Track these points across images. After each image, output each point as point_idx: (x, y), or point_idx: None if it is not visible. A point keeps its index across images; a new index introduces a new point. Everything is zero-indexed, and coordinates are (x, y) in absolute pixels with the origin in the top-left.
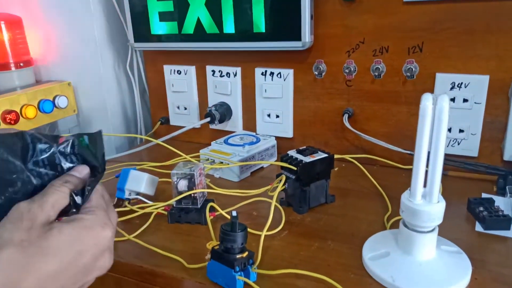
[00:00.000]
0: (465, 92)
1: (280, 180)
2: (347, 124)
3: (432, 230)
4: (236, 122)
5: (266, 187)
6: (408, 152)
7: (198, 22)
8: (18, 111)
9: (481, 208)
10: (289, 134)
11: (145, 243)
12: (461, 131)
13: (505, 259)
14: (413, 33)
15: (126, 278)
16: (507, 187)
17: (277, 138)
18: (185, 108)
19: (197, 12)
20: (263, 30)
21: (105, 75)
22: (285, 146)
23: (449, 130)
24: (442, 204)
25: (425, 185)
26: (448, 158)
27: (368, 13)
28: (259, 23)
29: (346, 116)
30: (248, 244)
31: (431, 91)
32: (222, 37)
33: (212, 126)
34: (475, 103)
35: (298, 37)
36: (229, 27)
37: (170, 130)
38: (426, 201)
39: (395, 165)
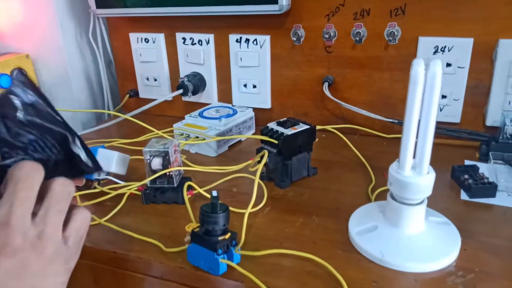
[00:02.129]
0: (448, 56)
1: (262, 156)
2: (327, 93)
3: (421, 202)
4: (210, 93)
5: (245, 162)
6: (390, 120)
7: None
8: None
9: (466, 176)
10: (267, 105)
11: (118, 226)
12: (443, 96)
13: (492, 228)
14: None
15: (100, 265)
16: (490, 153)
17: (254, 109)
18: (155, 80)
19: None
20: None
21: (66, 46)
22: (263, 117)
23: None
24: (432, 175)
25: (414, 156)
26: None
27: None
28: None
29: (326, 84)
30: (230, 223)
31: (414, 55)
32: (192, 1)
33: (185, 98)
34: (458, 67)
35: (274, 0)
36: None
37: (140, 103)
38: (415, 172)
39: (377, 134)
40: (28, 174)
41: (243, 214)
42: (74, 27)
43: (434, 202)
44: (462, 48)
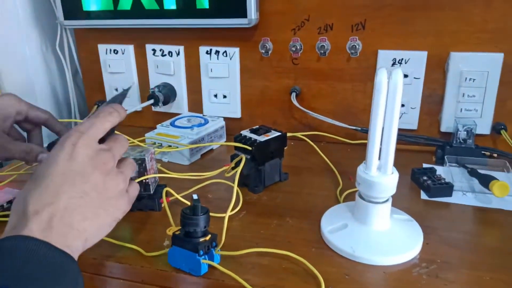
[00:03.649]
0: (405, 67)
1: (240, 161)
2: (295, 103)
3: (386, 201)
4: (181, 103)
5: (220, 169)
6: (354, 127)
7: None
8: None
9: (425, 178)
10: (237, 114)
11: None
12: (402, 105)
13: (450, 223)
14: (356, 10)
15: (85, 274)
16: (445, 156)
17: (225, 118)
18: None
19: None
20: (207, 6)
21: (31, 57)
22: (234, 126)
23: None
24: (396, 175)
25: (379, 158)
26: None
27: None
28: None
29: (294, 94)
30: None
31: (374, 67)
32: (162, 13)
33: (156, 109)
34: (414, 78)
35: (243, 14)
36: (170, 2)
37: None
38: (381, 173)
39: (342, 140)
40: (109, 110)
41: (220, 218)
42: (40, 38)
43: (397, 202)
44: (417, 60)
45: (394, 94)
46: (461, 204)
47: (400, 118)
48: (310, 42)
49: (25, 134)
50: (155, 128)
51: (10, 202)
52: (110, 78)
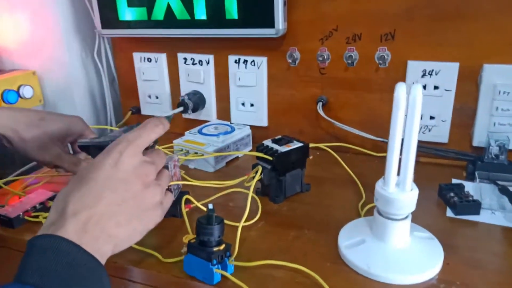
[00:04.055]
0: (435, 79)
1: (257, 171)
2: (321, 112)
3: (406, 218)
4: (210, 111)
5: (241, 177)
6: (380, 139)
7: (168, 8)
8: None
9: (452, 194)
10: (264, 123)
11: None
12: (431, 118)
13: (475, 243)
14: (385, 20)
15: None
16: (476, 172)
17: (252, 127)
18: (157, 97)
19: None
20: (236, 17)
21: (71, 64)
22: (260, 135)
23: (421, 117)
24: (415, 192)
25: (398, 173)
26: (419, 145)
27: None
28: (231, 9)
29: (320, 104)
30: (225, 235)
31: (403, 78)
32: (193, 23)
33: (186, 116)
34: (445, 90)
35: (271, 24)
36: (200, 13)
37: (141, 120)
38: (399, 189)
39: (368, 152)
40: (155, 123)
41: (237, 227)
42: (79, 46)
43: (420, 219)
44: (449, 71)
45: (413, 110)
46: (489, 224)
47: (430, 131)
48: (337, 52)
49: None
50: (184, 135)
51: (42, 203)
52: (144, 85)
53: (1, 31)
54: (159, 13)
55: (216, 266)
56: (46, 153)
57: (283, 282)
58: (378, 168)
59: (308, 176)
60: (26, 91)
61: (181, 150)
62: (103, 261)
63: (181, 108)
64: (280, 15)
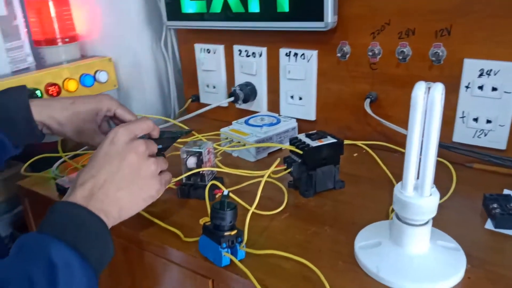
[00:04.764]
0: (494, 80)
1: (290, 163)
2: (368, 109)
3: (424, 224)
4: (261, 102)
5: (271, 168)
6: None
7: (225, 1)
8: (60, 84)
9: (495, 205)
10: (312, 117)
11: (153, 215)
12: (488, 121)
13: (506, 259)
14: (441, 15)
15: (131, 246)
16: None
17: (300, 120)
18: (214, 87)
19: None
20: (287, 10)
21: (142, 53)
22: (308, 129)
23: (475, 120)
24: (435, 197)
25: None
26: (473, 150)
27: None
28: (283, 2)
29: (368, 100)
30: (247, 223)
31: (459, 77)
32: (247, 16)
33: (238, 106)
34: (504, 92)
35: (320, 18)
36: (254, 6)
37: (200, 108)
38: (417, 193)
39: None
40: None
41: (262, 216)
42: (150, 36)
43: (454, 227)
44: (509, 72)
45: (431, 111)
46: None
47: (486, 135)
48: (389, 47)
49: None
50: (232, 124)
51: None
52: (203, 75)
53: (85, 22)
54: (217, 6)
55: (226, 250)
56: (82, 134)
57: (289, 274)
58: None
59: (347, 173)
60: (102, 76)
61: (226, 138)
62: (109, 221)
63: (231, 98)
64: (330, 8)
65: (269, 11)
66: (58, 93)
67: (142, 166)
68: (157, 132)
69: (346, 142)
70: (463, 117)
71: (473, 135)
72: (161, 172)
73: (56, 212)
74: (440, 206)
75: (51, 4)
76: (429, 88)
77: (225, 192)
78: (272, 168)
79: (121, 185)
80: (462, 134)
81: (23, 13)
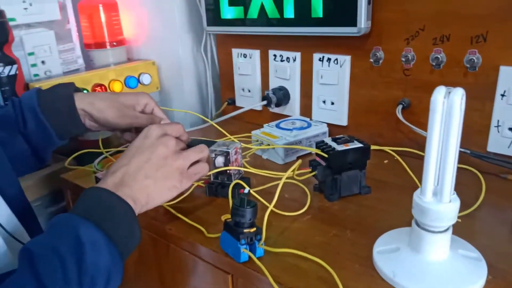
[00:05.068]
0: None
1: (315, 166)
2: (399, 116)
3: (444, 231)
4: (293, 106)
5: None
6: (462, 149)
7: (262, 6)
8: (106, 85)
9: None
10: (343, 122)
11: (181, 211)
12: None
13: None
14: (476, 21)
15: (160, 239)
16: None
17: (331, 125)
18: (249, 91)
19: None
20: (321, 15)
21: (183, 57)
22: (339, 134)
23: (511, 129)
24: (455, 204)
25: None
26: (508, 160)
27: None
28: (317, 8)
29: (400, 107)
30: (269, 222)
31: (494, 85)
32: (282, 21)
33: (271, 110)
34: None
35: (353, 23)
36: (289, 12)
37: (235, 110)
38: (436, 199)
39: None
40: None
41: (285, 216)
42: (191, 41)
43: (479, 238)
44: None
45: (450, 116)
46: None
47: None
48: (423, 53)
49: None
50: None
51: None
52: (239, 79)
53: (131, 27)
54: (253, 12)
55: (244, 246)
56: (124, 117)
57: (305, 274)
58: (456, 180)
59: (375, 179)
60: (145, 78)
61: (257, 140)
62: (137, 207)
63: (264, 102)
64: (363, 13)
65: (303, 16)
66: None
67: (169, 158)
68: (186, 137)
69: (374, 147)
70: (498, 126)
71: (508, 145)
72: (195, 163)
73: (87, 196)
74: (468, 216)
75: (101, 10)
76: (449, 92)
77: (246, 191)
78: (292, 169)
79: (149, 174)
80: (497, 144)
81: (76, 18)
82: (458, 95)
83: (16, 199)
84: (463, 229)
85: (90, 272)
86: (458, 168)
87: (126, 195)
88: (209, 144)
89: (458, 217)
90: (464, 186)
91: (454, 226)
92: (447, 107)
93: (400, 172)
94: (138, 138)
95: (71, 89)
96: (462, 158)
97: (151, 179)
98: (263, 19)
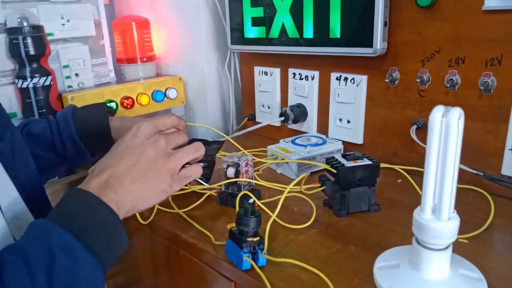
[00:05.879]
0: None
1: (324, 182)
2: (413, 136)
3: (443, 249)
4: (311, 124)
5: (306, 185)
6: (475, 171)
7: (283, 27)
8: (134, 98)
9: None
10: (359, 140)
11: (192, 218)
12: None
13: None
14: (492, 44)
15: (170, 244)
16: None
17: (347, 143)
18: (269, 107)
19: (283, 17)
20: (338, 36)
21: (208, 74)
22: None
23: None
24: (454, 222)
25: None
26: None
27: (445, 21)
28: (335, 28)
29: (414, 127)
30: (276, 234)
31: (508, 107)
32: (302, 41)
33: (289, 126)
34: None
35: (370, 44)
36: (308, 32)
37: (255, 124)
38: (435, 216)
39: (460, 186)
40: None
41: (293, 230)
42: (216, 58)
43: (483, 259)
44: None
45: (447, 135)
46: None
47: None
48: (439, 75)
49: None
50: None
51: None
52: (260, 95)
53: (161, 44)
54: (275, 32)
55: (247, 255)
56: None
57: (304, 285)
58: (468, 202)
59: (385, 197)
60: (171, 93)
61: (272, 155)
62: (121, 212)
63: (281, 118)
64: (379, 35)
65: (322, 37)
66: (132, 105)
67: (158, 161)
68: (183, 125)
69: (384, 165)
70: None
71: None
72: (188, 164)
73: (67, 200)
74: (475, 237)
75: (134, 27)
76: (447, 111)
77: (251, 200)
78: (296, 181)
79: (137, 178)
80: (511, 167)
81: (110, 34)
82: (456, 114)
83: (36, 200)
84: (469, 250)
85: (65, 280)
86: (470, 190)
87: (110, 200)
88: (206, 143)
89: (465, 238)
90: (475, 208)
91: (460, 247)
92: (445, 126)
93: (412, 192)
94: (126, 135)
95: (105, 111)
96: (476, 180)
97: (139, 183)
98: (284, 38)
